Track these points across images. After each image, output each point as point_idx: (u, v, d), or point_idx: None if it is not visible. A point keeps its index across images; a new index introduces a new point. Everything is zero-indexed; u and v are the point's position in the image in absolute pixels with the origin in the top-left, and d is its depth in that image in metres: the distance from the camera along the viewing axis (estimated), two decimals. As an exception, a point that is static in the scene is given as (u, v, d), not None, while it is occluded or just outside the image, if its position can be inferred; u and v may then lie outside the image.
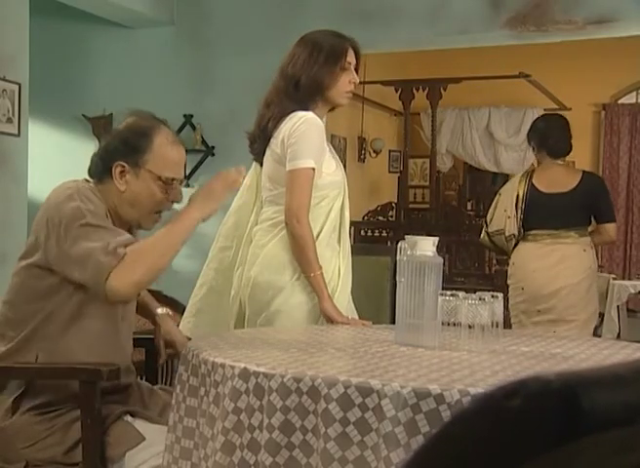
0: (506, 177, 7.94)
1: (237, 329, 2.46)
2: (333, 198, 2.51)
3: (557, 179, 3.91)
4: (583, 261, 3.88)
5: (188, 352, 1.74)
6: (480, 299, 1.83)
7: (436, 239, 1.92)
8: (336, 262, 2.50)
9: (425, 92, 7.88)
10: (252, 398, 1.49)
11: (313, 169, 2.39)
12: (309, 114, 2.43)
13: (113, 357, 2.03)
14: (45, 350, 1.99)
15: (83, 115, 5.99)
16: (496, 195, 4.12)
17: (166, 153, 2.06)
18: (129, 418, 2.00)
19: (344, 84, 2.49)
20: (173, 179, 2.07)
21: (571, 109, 8.55)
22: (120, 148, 2.04)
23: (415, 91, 7.89)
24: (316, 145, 2.41)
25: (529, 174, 4.04)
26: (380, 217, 8.24)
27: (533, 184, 3.93)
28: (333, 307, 2.37)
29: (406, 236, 1.93)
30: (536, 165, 4.16)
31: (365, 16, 5.23)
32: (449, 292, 1.87)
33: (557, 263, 3.84)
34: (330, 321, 2.36)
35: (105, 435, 1.94)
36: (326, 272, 2.42)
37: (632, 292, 6.20)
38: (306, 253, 2.38)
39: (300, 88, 2.46)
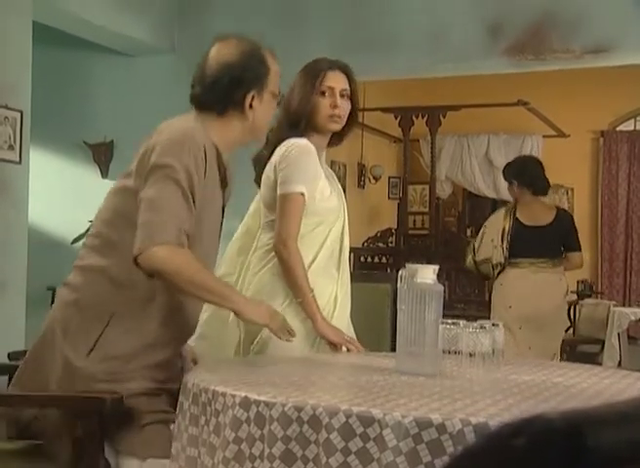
0: (505, 204, 7.97)
1: (237, 355, 2.46)
2: (329, 224, 2.51)
3: (537, 214, 4.52)
4: (562, 289, 4.53)
5: (189, 380, 1.73)
6: (481, 328, 1.83)
7: (436, 267, 1.92)
8: (332, 289, 2.50)
9: (425, 119, 7.92)
10: (253, 427, 1.49)
11: (303, 194, 2.40)
12: (302, 141, 2.46)
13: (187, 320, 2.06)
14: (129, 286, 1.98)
15: (84, 142, 6.03)
16: (481, 227, 4.66)
17: (275, 69, 2.13)
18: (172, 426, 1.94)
19: (325, 108, 2.49)
20: (280, 91, 2.17)
21: (569, 136, 8.60)
22: (247, 77, 2.05)
23: (414, 118, 7.93)
24: (307, 171, 2.43)
25: (512, 209, 4.58)
26: (380, 244, 8.24)
27: (517, 218, 4.50)
28: (327, 326, 2.37)
29: (406, 264, 1.94)
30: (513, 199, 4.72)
31: (365, 43, 5.27)
32: (450, 321, 1.87)
33: (540, 288, 4.42)
34: (328, 341, 2.37)
35: (143, 428, 1.90)
36: (320, 298, 2.41)
37: (632, 319, 6.18)
38: (295, 277, 2.38)
39: (290, 114, 2.51)
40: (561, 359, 6.54)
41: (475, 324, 1.85)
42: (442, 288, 1.92)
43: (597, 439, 0.36)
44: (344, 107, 2.52)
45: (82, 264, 2.05)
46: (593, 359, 6.34)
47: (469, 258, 4.56)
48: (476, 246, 4.53)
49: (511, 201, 4.83)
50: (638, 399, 0.40)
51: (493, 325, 1.87)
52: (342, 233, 2.54)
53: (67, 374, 1.95)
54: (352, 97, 2.56)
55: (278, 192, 2.42)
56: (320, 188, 2.47)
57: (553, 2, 4.96)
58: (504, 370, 1.95)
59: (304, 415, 1.43)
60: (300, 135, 2.48)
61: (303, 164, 2.42)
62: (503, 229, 4.44)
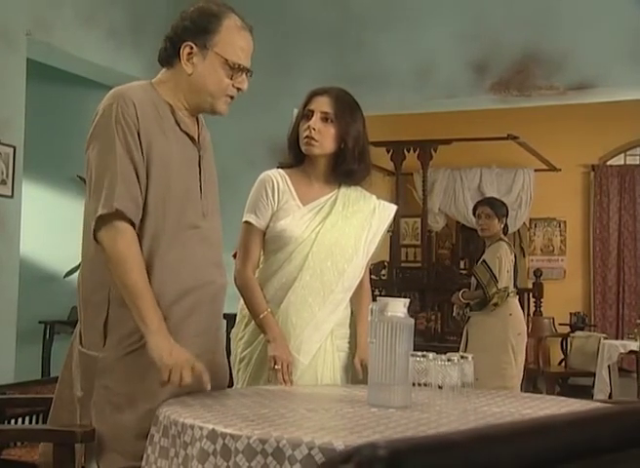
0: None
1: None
2: (286, 254, 2.44)
3: None
4: None
5: (160, 413, 1.76)
6: (449, 360, 1.86)
7: (407, 300, 1.96)
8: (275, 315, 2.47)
9: (416, 153, 8.01)
10: (219, 459, 1.51)
11: (247, 222, 2.47)
12: (266, 172, 2.52)
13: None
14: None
15: (78, 176, 6.08)
16: (496, 260, 4.81)
17: (234, 37, 2.04)
18: None
19: (302, 130, 2.46)
20: (239, 66, 2.05)
21: (560, 170, 8.68)
22: (189, 28, 2.01)
23: (406, 151, 8.02)
24: (255, 201, 2.48)
25: (507, 243, 4.91)
26: (373, 276, 8.27)
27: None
28: (273, 347, 2.36)
29: (377, 298, 1.97)
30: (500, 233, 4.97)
31: (354, 80, 5.35)
32: (419, 353, 1.91)
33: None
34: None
35: None
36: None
37: (622, 351, 6.20)
38: (246, 300, 2.45)
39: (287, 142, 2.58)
40: (554, 392, 6.55)
41: (444, 356, 1.88)
42: (412, 321, 1.96)
43: (414, 465, 0.40)
44: (322, 130, 2.42)
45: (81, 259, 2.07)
46: (586, 392, 6.33)
47: (493, 285, 4.74)
48: (497, 275, 4.77)
49: (499, 235, 4.91)
50: (472, 429, 0.44)
51: (462, 357, 1.90)
52: (303, 265, 2.43)
53: (88, 370, 1.94)
54: (341, 124, 2.42)
55: None
56: (276, 217, 2.46)
57: (537, 40, 5.06)
58: (475, 402, 1.97)
59: (268, 448, 1.46)
60: (294, 162, 2.51)
61: (253, 194, 2.50)
62: (511, 260, 4.82)
